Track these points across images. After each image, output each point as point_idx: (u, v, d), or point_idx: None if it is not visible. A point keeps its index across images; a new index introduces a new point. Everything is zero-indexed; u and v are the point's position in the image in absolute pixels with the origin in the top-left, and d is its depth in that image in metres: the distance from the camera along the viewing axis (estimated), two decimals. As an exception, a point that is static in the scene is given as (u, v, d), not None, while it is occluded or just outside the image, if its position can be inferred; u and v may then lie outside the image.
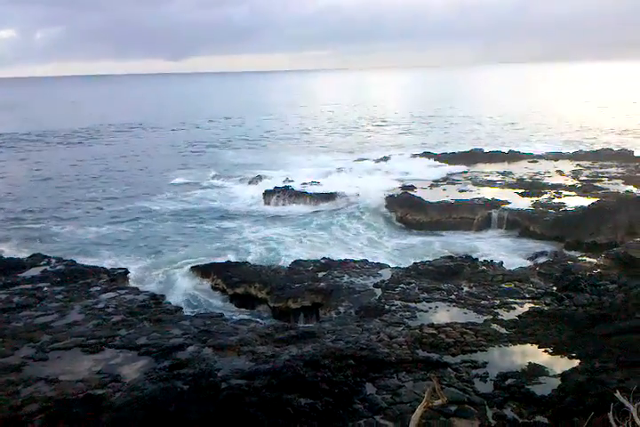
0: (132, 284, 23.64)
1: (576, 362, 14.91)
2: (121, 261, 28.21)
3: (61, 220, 38.27)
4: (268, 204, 41.09)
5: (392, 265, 25.50)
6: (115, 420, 12.34)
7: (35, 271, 23.23)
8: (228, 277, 24.78)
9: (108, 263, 26.91)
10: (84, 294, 20.86)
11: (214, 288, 24.99)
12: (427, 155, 54.73)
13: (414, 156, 54.78)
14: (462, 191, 39.40)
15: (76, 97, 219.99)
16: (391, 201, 38.14)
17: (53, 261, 24.39)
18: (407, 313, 18.78)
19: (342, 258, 26.51)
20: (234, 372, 14.34)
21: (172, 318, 18.91)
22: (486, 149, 55.91)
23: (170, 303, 20.90)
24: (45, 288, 21.32)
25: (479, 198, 36.42)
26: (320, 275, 23.81)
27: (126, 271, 24.14)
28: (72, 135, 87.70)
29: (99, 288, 21.52)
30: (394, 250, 31.08)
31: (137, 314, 18.97)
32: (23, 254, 27.21)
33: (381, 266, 24.80)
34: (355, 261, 25.48)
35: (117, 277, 23.13)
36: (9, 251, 29.60)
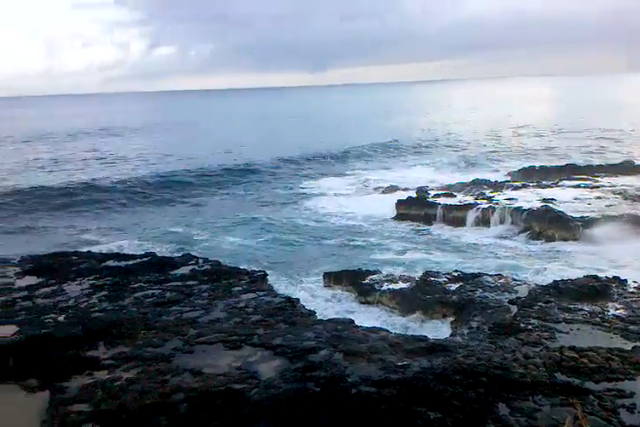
0: (269, 286, 24.76)
1: None
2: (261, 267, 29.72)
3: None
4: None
5: (529, 281, 24.38)
6: (252, 414, 13.10)
7: (184, 270, 25.13)
8: (359, 284, 25.19)
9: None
10: (226, 293, 22.26)
11: (346, 295, 25.50)
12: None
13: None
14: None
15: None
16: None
17: (201, 261, 26.23)
18: (545, 333, 17.81)
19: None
20: (363, 379, 14.55)
21: (305, 321, 19.57)
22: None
23: (304, 307, 21.64)
24: (193, 286, 23.05)
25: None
26: (452, 288, 23.42)
27: (265, 274, 25.35)
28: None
29: (240, 288, 22.82)
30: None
31: (274, 315, 19.85)
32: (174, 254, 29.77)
33: (517, 282, 23.81)
34: (490, 275, 24.72)
35: (257, 279, 24.37)
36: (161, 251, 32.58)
